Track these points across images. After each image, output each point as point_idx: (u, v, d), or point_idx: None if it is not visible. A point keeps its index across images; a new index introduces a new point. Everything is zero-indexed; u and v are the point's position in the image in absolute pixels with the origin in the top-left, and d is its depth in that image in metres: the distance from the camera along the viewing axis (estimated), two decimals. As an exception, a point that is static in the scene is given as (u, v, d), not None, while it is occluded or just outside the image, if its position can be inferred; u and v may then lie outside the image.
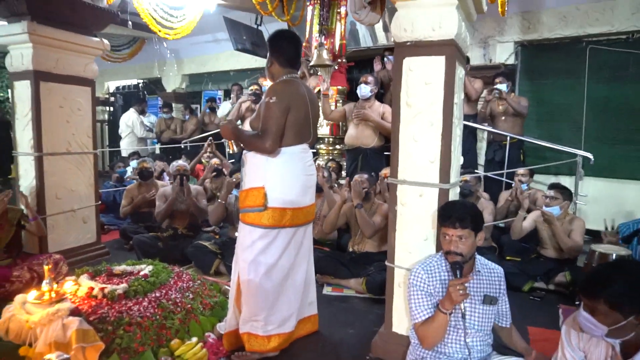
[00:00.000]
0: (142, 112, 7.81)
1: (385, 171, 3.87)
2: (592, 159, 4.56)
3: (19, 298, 2.43)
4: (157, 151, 7.90)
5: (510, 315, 2.16)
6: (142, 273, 2.83)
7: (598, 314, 1.41)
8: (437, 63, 2.25)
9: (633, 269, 1.46)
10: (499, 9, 3.09)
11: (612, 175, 5.30)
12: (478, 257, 2.08)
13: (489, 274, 2.07)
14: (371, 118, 4.49)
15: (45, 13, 3.61)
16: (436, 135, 2.27)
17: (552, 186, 3.75)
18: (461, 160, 2.57)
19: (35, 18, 3.55)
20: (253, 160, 2.40)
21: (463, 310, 1.90)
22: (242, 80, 8.50)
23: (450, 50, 2.23)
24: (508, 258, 3.93)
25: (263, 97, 2.44)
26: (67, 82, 3.89)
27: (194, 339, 2.43)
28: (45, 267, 2.42)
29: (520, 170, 4.63)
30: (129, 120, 7.69)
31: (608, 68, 5.36)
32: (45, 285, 2.37)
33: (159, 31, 5.72)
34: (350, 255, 3.65)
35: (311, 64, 5.11)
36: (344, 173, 4.99)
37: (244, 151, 2.49)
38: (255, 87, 6.07)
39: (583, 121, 5.46)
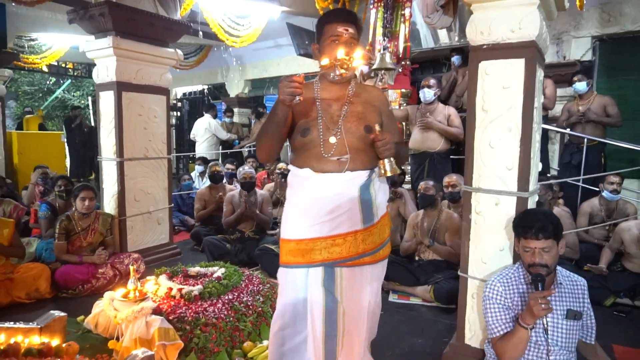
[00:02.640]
0: (214, 117, 8.11)
1: (449, 179, 3.75)
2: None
3: (107, 295, 2.60)
4: (219, 156, 8.15)
5: (595, 330, 2.02)
6: (215, 275, 2.95)
7: None
8: (516, 66, 2.16)
9: None
10: (577, 2, 2.91)
11: None
12: (559, 268, 1.97)
13: (572, 286, 1.95)
14: (435, 127, 4.39)
15: (127, 28, 3.87)
16: (514, 141, 2.17)
17: None
18: (540, 166, 2.44)
19: (119, 33, 3.82)
20: (382, 186, 1.84)
21: (545, 325, 1.80)
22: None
23: (531, 52, 2.13)
24: (586, 269, 3.67)
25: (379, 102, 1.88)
26: (145, 92, 4.14)
27: (265, 342, 2.49)
28: (131, 268, 2.58)
29: (612, 178, 3.98)
30: (209, 125, 7.90)
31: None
32: (130, 284, 2.53)
33: (227, 40, 5.96)
34: (418, 263, 3.58)
35: (374, 67, 5.08)
36: (408, 178, 4.91)
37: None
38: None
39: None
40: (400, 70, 5.22)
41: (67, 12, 4.02)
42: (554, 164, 5.35)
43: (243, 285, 2.91)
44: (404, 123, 4.97)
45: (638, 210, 4.05)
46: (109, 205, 4.05)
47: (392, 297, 3.43)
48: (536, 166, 2.37)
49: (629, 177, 4.92)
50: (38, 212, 4.31)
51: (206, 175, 5.68)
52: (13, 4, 5.05)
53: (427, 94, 4.47)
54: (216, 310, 2.56)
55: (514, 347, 1.88)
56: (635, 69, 5.32)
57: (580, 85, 4.74)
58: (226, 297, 2.71)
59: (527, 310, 1.82)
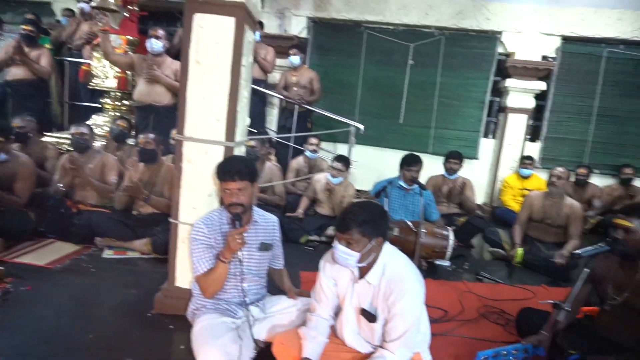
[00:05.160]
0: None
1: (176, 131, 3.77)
2: (363, 129, 5.35)
3: None
4: None
5: (283, 258, 2.43)
6: None
7: (353, 244, 1.73)
8: (227, 23, 2.29)
9: (372, 204, 1.86)
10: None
11: (377, 144, 6.33)
12: (255, 208, 2.27)
13: (266, 223, 2.29)
14: (163, 80, 4.28)
15: None
16: (223, 95, 2.33)
17: (340, 159, 4.23)
18: (248, 121, 2.70)
19: None
20: None
21: (241, 258, 2.07)
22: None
23: (241, 12, 2.30)
24: (288, 215, 4.31)
25: None
26: None
27: None
28: None
29: (312, 140, 4.95)
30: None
31: (379, 53, 6.28)
32: None
33: None
34: (136, 217, 3.49)
35: (92, 4, 4.51)
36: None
37: None
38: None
39: (358, 97, 6.32)
40: (126, 14, 4.80)
41: None
42: (273, 125, 6.01)
43: None
44: (129, 72, 4.66)
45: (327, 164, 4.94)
46: None
47: (107, 254, 3.27)
48: (243, 120, 2.61)
49: (327, 140, 5.99)
50: None
51: None
52: None
53: (155, 44, 4.30)
54: None
55: (215, 281, 2.09)
56: (336, 50, 6.41)
57: (295, 59, 5.43)
58: None
59: (225, 247, 2.04)
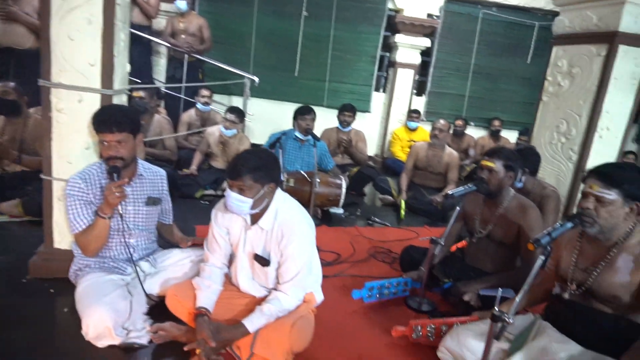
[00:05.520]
0: None
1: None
2: (257, 82, 5.24)
3: None
4: None
5: (172, 213, 2.35)
6: None
7: (245, 191, 1.71)
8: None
9: (263, 151, 1.88)
10: None
11: (273, 97, 6.27)
12: (141, 161, 2.14)
13: (153, 176, 2.17)
14: (21, 19, 3.70)
15: None
16: (95, 36, 2.10)
17: (233, 110, 4.09)
18: (128, 67, 2.47)
19: None
20: None
21: (122, 212, 1.95)
22: None
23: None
24: (182, 173, 4.11)
25: None
26: None
27: None
28: None
29: (204, 92, 4.70)
30: None
31: (272, 2, 6.08)
32: None
33: None
34: (1, 177, 3.09)
35: None
36: None
37: None
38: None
39: (252, 48, 6.13)
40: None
41: None
42: (161, 76, 5.61)
43: None
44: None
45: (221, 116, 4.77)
46: None
47: (-33, 220, 2.88)
48: (123, 66, 2.39)
49: (220, 92, 5.77)
50: None
51: None
52: None
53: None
54: None
55: (95, 238, 1.96)
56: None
57: (181, 4, 5.04)
58: None
59: (104, 201, 1.91)
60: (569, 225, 1.62)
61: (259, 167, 1.72)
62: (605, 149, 3.04)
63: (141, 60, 4.93)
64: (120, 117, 1.91)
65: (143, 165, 2.16)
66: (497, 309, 1.56)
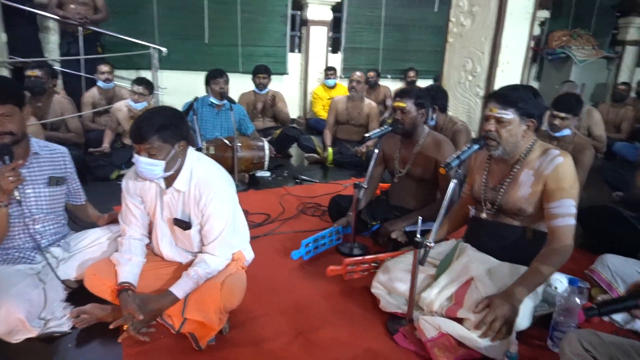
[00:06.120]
0: None
1: None
2: (165, 52, 4.93)
3: None
4: None
5: (83, 192, 2.17)
6: None
7: (155, 153, 1.60)
8: None
9: (166, 108, 1.72)
10: None
11: (184, 68, 5.95)
12: (34, 139, 1.93)
13: (51, 154, 1.97)
14: None
15: None
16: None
17: (140, 81, 3.80)
18: (3, 37, 2.20)
19: None
20: None
21: (19, 198, 1.77)
22: None
23: None
24: (92, 150, 3.83)
25: None
26: None
27: None
28: None
29: (103, 68, 4.31)
30: None
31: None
32: None
33: None
34: None
35: None
36: None
37: None
38: None
39: (155, 15, 5.73)
40: None
41: None
42: (55, 54, 5.08)
43: None
44: None
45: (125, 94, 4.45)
46: None
47: None
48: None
49: (125, 67, 5.38)
50: None
51: None
52: None
53: None
54: None
55: (-6, 227, 1.76)
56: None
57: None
58: None
59: None
60: (476, 147, 1.71)
61: (165, 126, 1.61)
62: (507, 82, 3.22)
63: (25, 36, 4.43)
64: (1, 87, 1.69)
65: (38, 143, 1.95)
66: (419, 237, 1.63)
